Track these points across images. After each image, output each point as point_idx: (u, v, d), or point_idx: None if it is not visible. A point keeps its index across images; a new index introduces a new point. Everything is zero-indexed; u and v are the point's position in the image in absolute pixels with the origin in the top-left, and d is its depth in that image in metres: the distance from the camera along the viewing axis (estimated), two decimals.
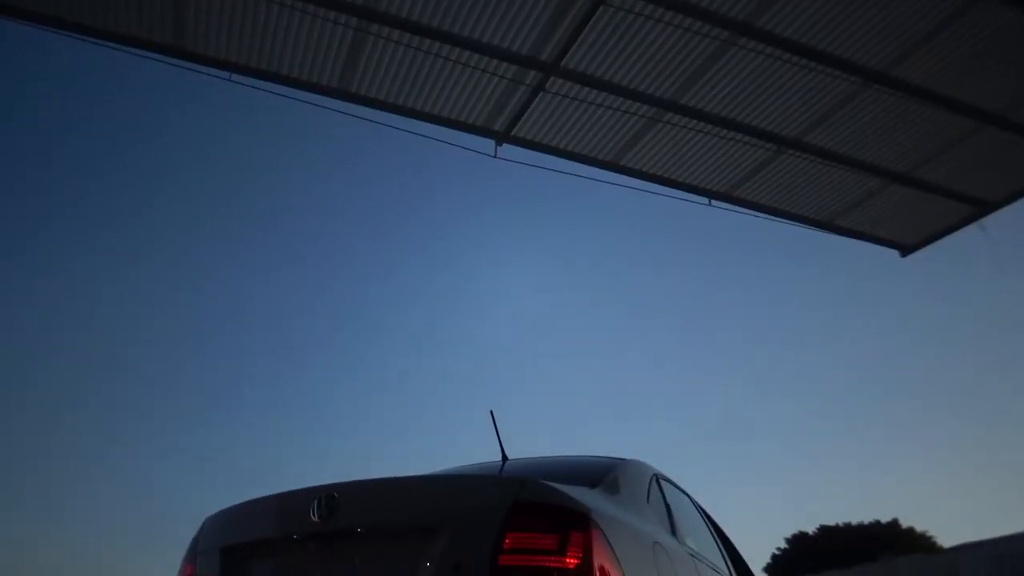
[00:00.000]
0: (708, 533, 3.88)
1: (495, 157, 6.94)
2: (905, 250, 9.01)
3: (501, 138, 6.93)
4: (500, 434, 3.39)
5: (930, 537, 60.58)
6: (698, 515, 3.88)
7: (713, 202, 8.03)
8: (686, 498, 3.77)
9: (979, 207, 8.24)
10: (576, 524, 2.10)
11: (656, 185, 7.72)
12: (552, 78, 6.32)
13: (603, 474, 2.84)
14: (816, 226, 8.55)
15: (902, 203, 8.20)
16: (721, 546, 4.00)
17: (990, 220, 8.36)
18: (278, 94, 6.16)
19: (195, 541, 2.66)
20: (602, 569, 2.07)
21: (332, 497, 2.30)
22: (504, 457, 3.41)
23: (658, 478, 3.30)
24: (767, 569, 64.53)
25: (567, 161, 7.30)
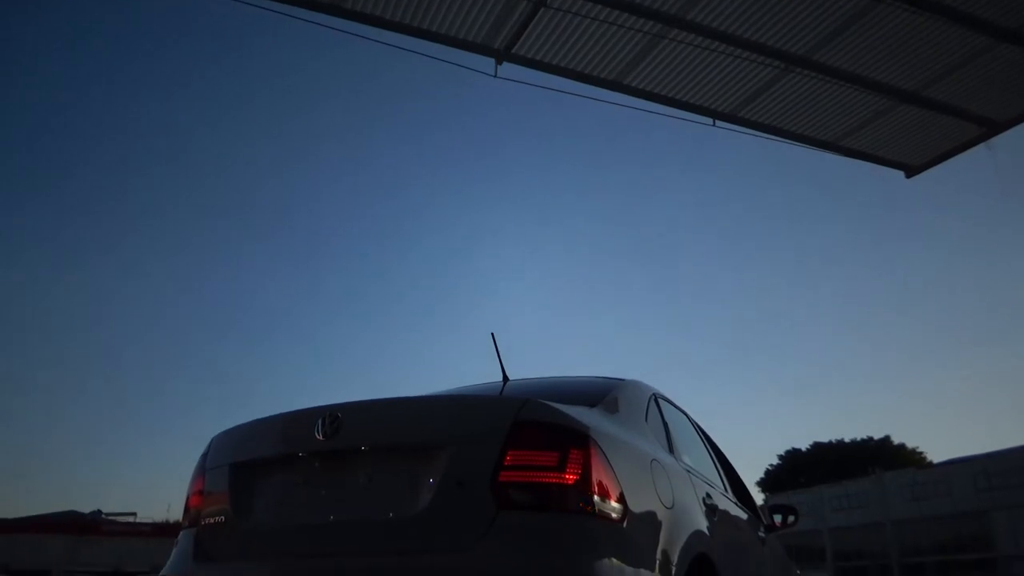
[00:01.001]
0: (704, 450, 3.97)
1: (495, 77, 6.79)
2: (911, 171, 8.92)
3: (501, 57, 6.76)
4: (501, 355, 3.42)
5: (920, 453, 61.97)
6: (695, 433, 3.96)
7: (717, 123, 7.89)
8: (684, 417, 3.85)
9: (988, 127, 8.11)
10: (575, 442, 2.15)
11: (659, 105, 7.58)
12: None
13: (602, 394, 2.88)
14: (821, 147, 8.43)
15: (910, 123, 8.06)
16: (716, 462, 4.10)
17: (998, 140, 8.24)
18: (271, 11, 5.98)
19: (204, 458, 2.73)
20: (600, 485, 2.13)
21: (336, 417, 2.34)
22: (505, 378, 3.46)
23: (656, 398, 3.35)
24: (759, 483, 66.37)
25: (569, 81, 7.15)
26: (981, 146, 8.32)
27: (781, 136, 8.19)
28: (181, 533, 2.69)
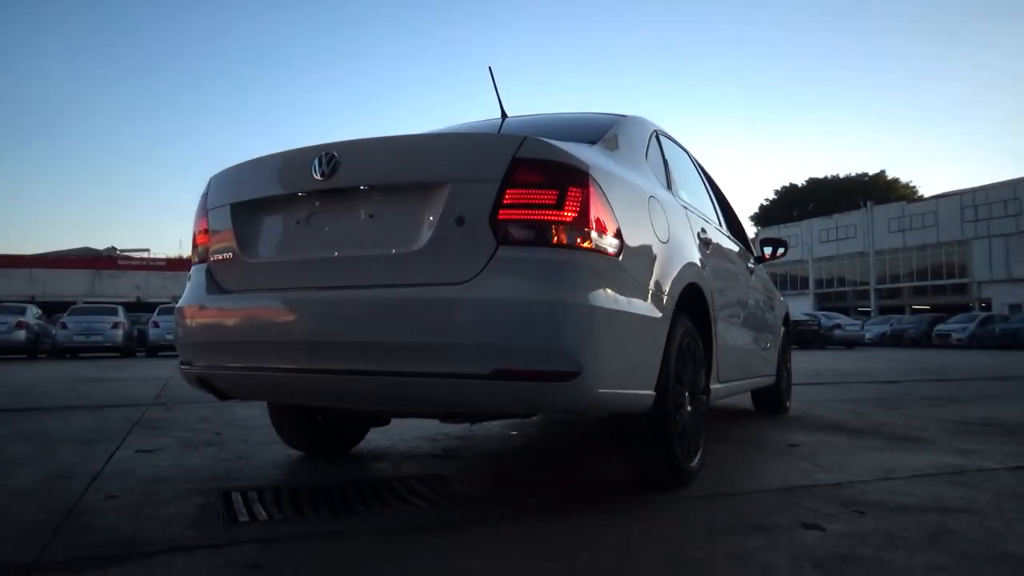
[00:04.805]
0: (702, 186, 4.00)
1: None
2: None
3: None
4: (499, 92, 3.30)
5: (914, 188, 63.30)
6: (694, 170, 3.96)
7: None
8: (684, 154, 3.82)
9: None
10: (574, 180, 2.14)
11: None
12: None
13: (602, 131, 2.82)
14: None
15: None
16: (713, 198, 4.15)
17: None
18: None
19: (204, 198, 2.74)
20: (598, 221, 2.16)
21: (332, 156, 2.31)
22: (503, 115, 3.37)
23: (657, 134, 3.30)
24: (753, 218, 68.53)
25: None
26: None
27: None
28: (192, 268, 2.80)
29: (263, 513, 2.28)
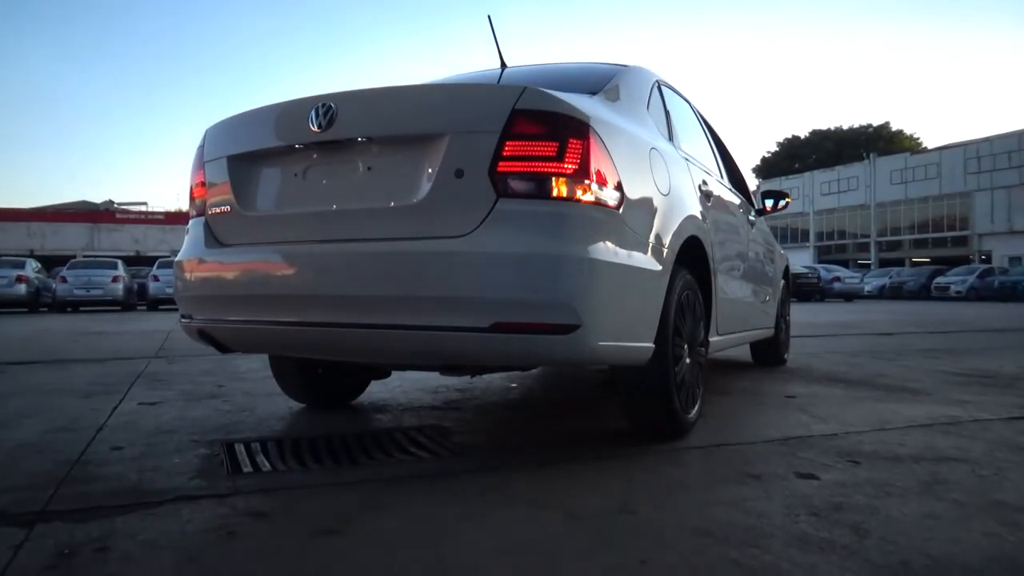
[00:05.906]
0: (704, 138, 3.95)
1: None
2: None
3: None
4: (498, 41, 3.24)
5: (917, 139, 62.75)
6: (696, 121, 3.91)
7: None
8: (686, 104, 3.77)
9: None
10: (574, 131, 2.12)
11: None
12: None
13: (603, 81, 2.78)
14: None
15: None
16: (715, 150, 4.11)
17: None
18: None
19: (200, 151, 2.71)
20: (599, 174, 2.14)
21: (329, 107, 2.28)
22: (503, 65, 3.31)
23: (659, 85, 3.25)
24: (755, 170, 68.02)
25: None
26: None
27: None
28: (190, 222, 2.79)
29: (266, 464, 2.31)
